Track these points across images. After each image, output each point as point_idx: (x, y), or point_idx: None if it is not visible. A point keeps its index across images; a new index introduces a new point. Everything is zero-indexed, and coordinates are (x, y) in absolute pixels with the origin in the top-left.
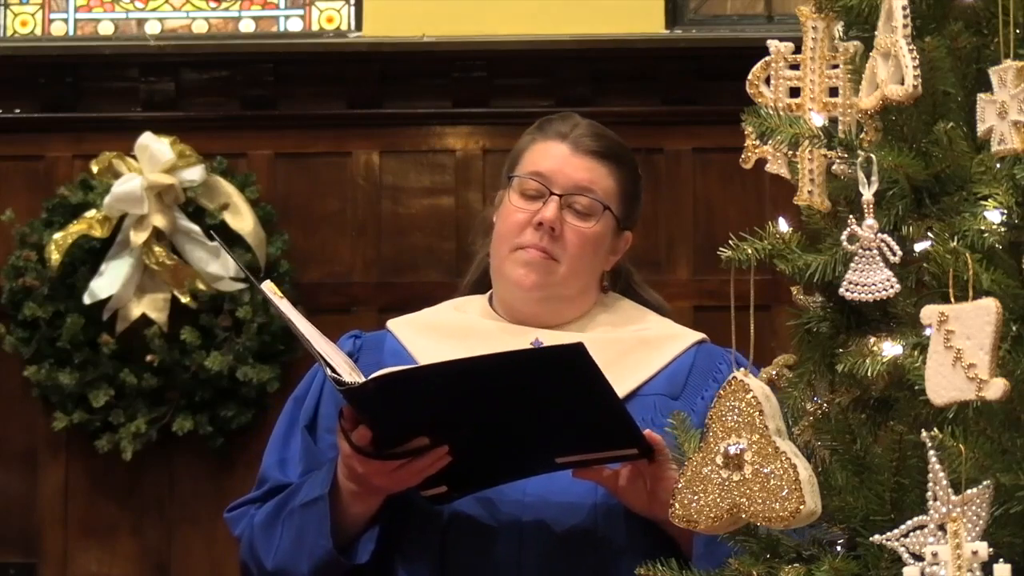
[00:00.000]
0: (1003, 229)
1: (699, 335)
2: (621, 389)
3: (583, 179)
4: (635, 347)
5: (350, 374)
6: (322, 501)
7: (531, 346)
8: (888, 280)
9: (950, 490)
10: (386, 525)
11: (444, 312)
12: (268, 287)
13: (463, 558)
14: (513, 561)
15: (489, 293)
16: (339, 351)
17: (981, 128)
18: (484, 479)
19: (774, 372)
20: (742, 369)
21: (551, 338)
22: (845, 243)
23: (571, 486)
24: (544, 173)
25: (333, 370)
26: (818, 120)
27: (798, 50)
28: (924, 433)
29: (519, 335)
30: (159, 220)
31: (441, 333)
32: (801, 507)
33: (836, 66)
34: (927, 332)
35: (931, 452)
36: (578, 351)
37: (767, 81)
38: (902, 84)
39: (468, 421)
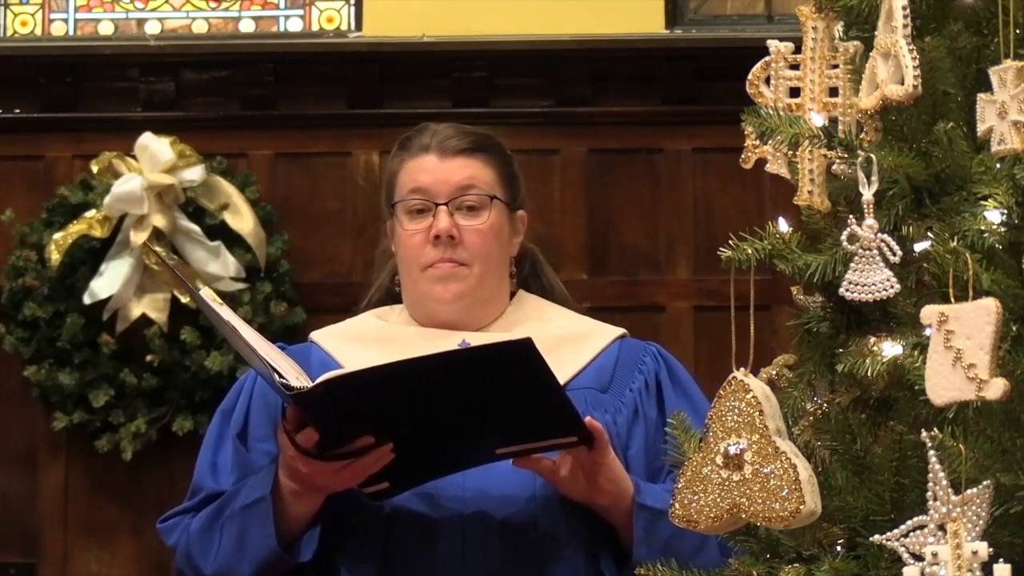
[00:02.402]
0: (1003, 229)
1: (620, 330)
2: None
3: (462, 179)
4: (560, 343)
5: (297, 378)
6: (264, 502)
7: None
8: (888, 280)
9: (950, 490)
10: (328, 523)
11: (367, 321)
12: (207, 293)
13: (406, 554)
14: (456, 555)
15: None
16: (284, 355)
17: (981, 128)
18: (425, 473)
19: (774, 372)
20: (742, 369)
21: (477, 339)
22: (845, 243)
23: (510, 478)
24: (422, 187)
25: (280, 375)
26: (818, 120)
27: (798, 50)
28: (924, 433)
29: (445, 339)
30: (159, 220)
31: (367, 341)
32: (801, 507)
33: (836, 66)
34: (927, 332)
35: (931, 452)
36: (527, 347)
37: (767, 81)
38: (902, 84)
39: (412, 419)
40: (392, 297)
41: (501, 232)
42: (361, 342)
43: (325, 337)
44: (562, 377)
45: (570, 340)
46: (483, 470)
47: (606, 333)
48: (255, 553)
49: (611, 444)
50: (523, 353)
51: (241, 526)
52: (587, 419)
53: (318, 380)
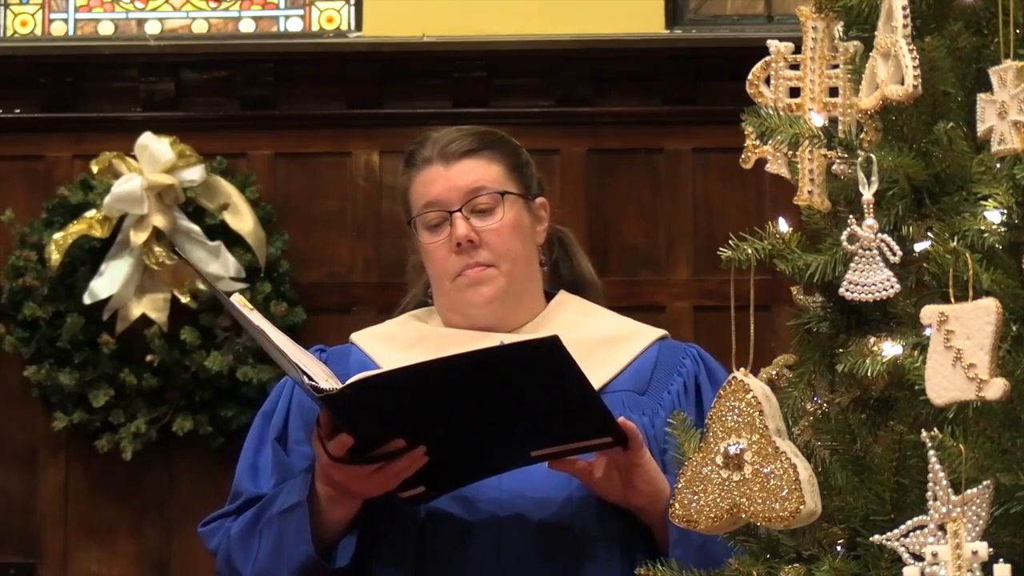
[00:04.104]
0: (1003, 229)
1: (660, 331)
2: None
3: (468, 182)
4: (599, 345)
5: (327, 381)
6: (301, 507)
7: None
8: (888, 280)
9: (950, 490)
10: (365, 527)
11: (406, 323)
12: (238, 299)
13: (441, 558)
14: (492, 558)
15: None
16: (313, 358)
17: (981, 128)
18: (461, 477)
19: (774, 372)
20: (742, 369)
21: (514, 340)
22: (845, 243)
23: (546, 480)
24: (434, 199)
25: (310, 378)
26: (818, 120)
27: (798, 50)
28: (924, 433)
29: (484, 340)
30: (159, 220)
31: (406, 342)
32: (801, 507)
33: (836, 66)
34: (927, 332)
35: (931, 452)
36: (553, 344)
37: (767, 81)
38: (902, 84)
39: (444, 421)
40: (425, 307)
41: (520, 225)
42: (400, 343)
43: (364, 339)
44: (600, 379)
45: (609, 342)
46: (519, 472)
47: (646, 335)
48: (293, 559)
49: (648, 446)
50: (550, 351)
51: (279, 532)
52: (620, 419)
53: (347, 382)
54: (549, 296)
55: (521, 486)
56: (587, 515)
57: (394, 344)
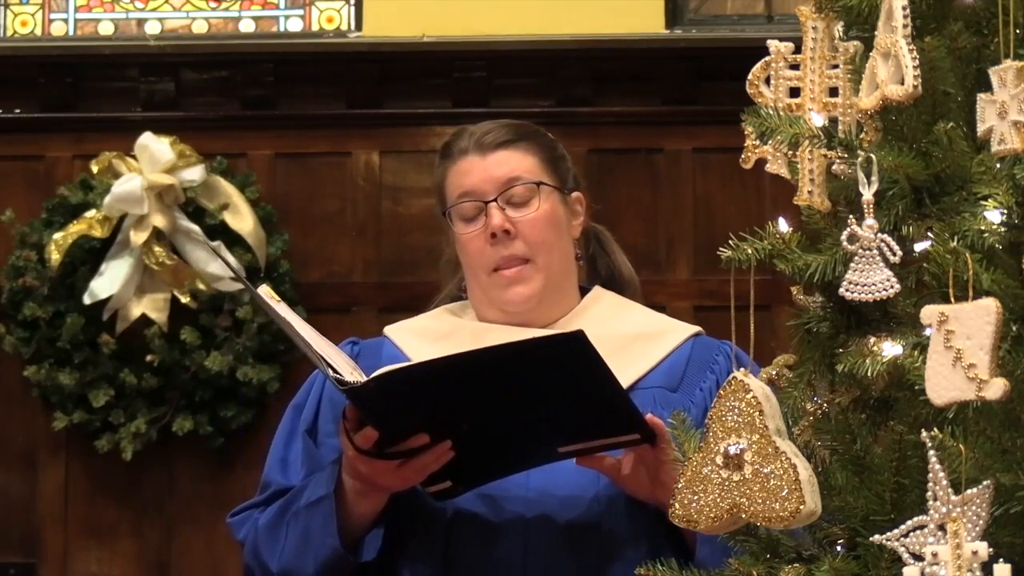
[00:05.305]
0: (1003, 229)
1: (694, 328)
2: (620, 382)
3: (503, 173)
4: (632, 341)
5: (351, 373)
6: (327, 500)
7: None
8: (888, 280)
9: (950, 490)
10: (391, 523)
11: (441, 316)
12: (265, 291)
13: (468, 555)
14: (519, 556)
15: None
16: (340, 351)
17: (981, 128)
18: (488, 472)
19: (774, 372)
20: (742, 369)
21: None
22: (845, 243)
23: (573, 478)
24: (469, 190)
25: (335, 370)
26: (818, 120)
27: (798, 50)
28: (924, 433)
29: (517, 334)
30: (159, 220)
31: (438, 335)
32: (801, 507)
33: (836, 66)
34: (927, 332)
35: (931, 452)
36: (578, 338)
37: (767, 81)
38: (902, 84)
39: (470, 415)
40: (459, 301)
41: (556, 217)
42: (433, 337)
43: (398, 332)
44: (631, 376)
45: (642, 338)
46: (546, 470)
47: (679, 331)
48: (319, 552)
49: None
50: (575, 345)
51: (305, 524)
52: (647, 416)
53: (372, 375)
54: (584, 292)
55: (548, 484)
56: (614, 514)
57: (426, 337)
